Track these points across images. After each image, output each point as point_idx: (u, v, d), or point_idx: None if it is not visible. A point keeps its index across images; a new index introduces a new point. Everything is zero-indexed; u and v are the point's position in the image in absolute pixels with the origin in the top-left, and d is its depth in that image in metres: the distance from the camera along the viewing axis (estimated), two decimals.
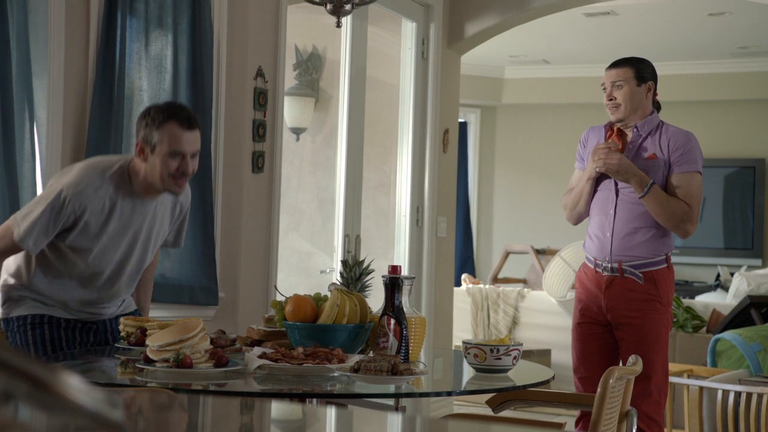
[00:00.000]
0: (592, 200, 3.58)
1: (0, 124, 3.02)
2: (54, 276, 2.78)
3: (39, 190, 3.17)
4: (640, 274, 3.42)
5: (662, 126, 3.54)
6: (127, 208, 2.75)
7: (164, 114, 2.66)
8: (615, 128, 3.54)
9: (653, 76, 3.56)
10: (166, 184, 2.68)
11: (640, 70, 3.52)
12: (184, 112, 2.69)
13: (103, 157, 2.93)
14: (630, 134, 3.53)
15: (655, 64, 3.64)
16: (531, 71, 9.60)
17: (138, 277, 2.94)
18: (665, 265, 3.47)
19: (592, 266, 3.53)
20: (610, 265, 3.47)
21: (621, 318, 3.45)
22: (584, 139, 3.69)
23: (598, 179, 3.55)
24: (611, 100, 3.51)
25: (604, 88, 3.55)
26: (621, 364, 3.50)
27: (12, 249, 2.69)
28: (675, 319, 5.50)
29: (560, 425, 2.66)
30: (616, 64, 3.56)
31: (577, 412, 3.47)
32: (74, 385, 0.60)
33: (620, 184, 3.48)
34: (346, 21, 4.58)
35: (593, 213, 3.58)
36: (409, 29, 5.30)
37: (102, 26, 3.40)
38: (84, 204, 2.67)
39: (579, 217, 3.65)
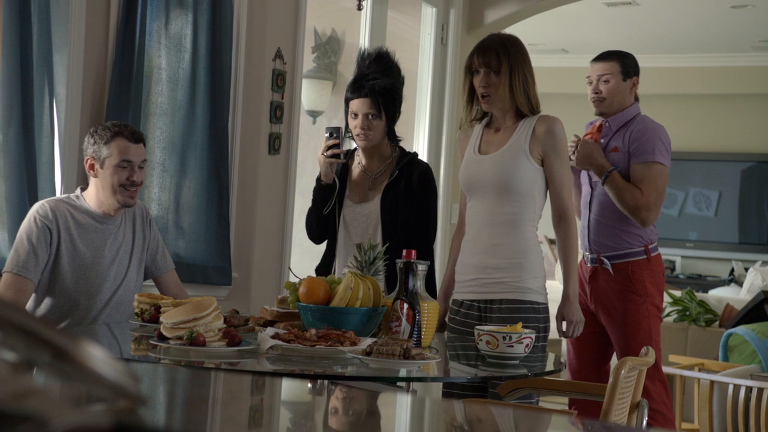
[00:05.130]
0: (577, 194, 3.63)
1: (20, 98, 3.03)
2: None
3: (57, 166, 3.19)
4: (612, 265, 3.45)
5: (634, 119, 3.56)
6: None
7: (111, 131, 2.89)
8: (599, 123, 3.61)
9: (636, 71, 3.62)
10: (118, 196, 2.89)
11: (626, 65, 3.58)
12: (129, 129, 2.93)
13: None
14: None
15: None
16: (549, 60, 9.55)
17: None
18: (644, 257, 3.48)
19: (582, 258, 3.60)
20: (590, 257, 3.54)
21: (602, 309, 3.52)
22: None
23: (579, 173, 3.64)
24: (596, 93, 3.56)
25: (590, 81, 3.61)
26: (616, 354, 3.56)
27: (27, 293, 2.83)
28: (688, 313, 5.47)
29: (571, 412, 2.66)
30: (602, 58, 3.62)
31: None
32: (96, 355, 0.60)
33: (594, 178, 3.54)
34: (366, 5, 4.56)
35: (580, 207, 3.65)
36: (428, 14, 5.27)
37: (123, 3, 3.40)
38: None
39: None
